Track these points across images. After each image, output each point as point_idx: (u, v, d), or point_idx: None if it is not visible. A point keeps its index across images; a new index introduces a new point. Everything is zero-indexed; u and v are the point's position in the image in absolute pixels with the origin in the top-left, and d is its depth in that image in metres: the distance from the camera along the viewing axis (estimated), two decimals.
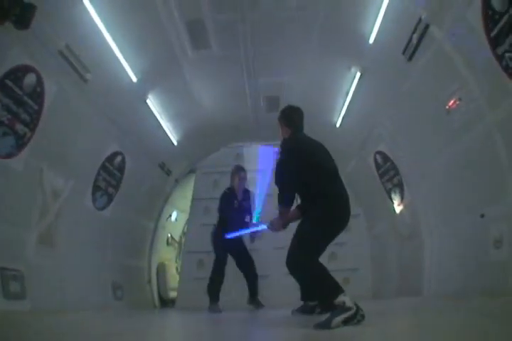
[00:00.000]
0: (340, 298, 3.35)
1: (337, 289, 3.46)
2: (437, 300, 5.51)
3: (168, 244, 11.27)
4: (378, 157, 7.69)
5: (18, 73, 4.72)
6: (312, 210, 3.98)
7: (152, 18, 5.82)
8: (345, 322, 3.24)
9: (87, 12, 5.02)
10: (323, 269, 3.65)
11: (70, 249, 6.12)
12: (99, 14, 5.15)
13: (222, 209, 7.31)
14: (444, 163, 5.78)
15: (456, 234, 5.66)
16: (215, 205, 9.48)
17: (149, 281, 9.72)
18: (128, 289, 8.03)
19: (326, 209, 3.90)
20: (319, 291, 3.69)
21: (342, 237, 8.36)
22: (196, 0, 5.68)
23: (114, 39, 5.64)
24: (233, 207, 7.23)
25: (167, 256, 11.08)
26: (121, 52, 5.92)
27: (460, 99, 5.02)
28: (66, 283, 5.85)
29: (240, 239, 7.19)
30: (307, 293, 5.20)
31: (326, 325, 3.25)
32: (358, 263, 9.10)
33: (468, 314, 3.75)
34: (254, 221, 7.05)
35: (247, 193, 7.44)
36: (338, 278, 8.49)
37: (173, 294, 10.06)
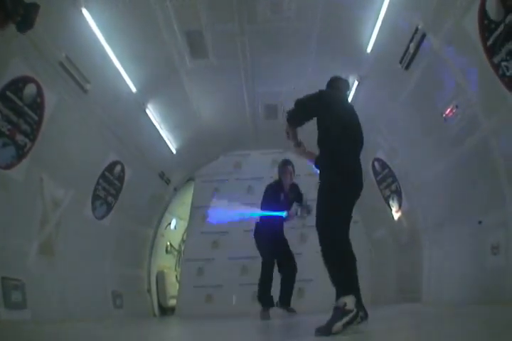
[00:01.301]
0: (343, 299, 3.30)
1: (348, 288, 3.42)
2: (436, 306, 5.51)
3: (167, 251, 11.24)
4: (376, 164, 7.73)
5: (18, 84, 4.76)
6: (323, 168, 3.98)
7: (152, 28, 5.89)
8: (346, 325, 3.18)
9: (87, 23, 5.09)
10: (349, 259, 3.66)
11: (70, 258, 6.12)
12: (99, 25, 5.23)
13: (265, 201, 7.14)
14: (442, 169, 5.81)
15: (455, 241, 5.68)
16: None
17: (149, 290, 9.70)
18: (128, 298, 8.01)
19: (336, 163, 3.88)
20: (334, 279, 3.56)
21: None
22: (195, 11, 5.74)
23: (114, 49, 5.71)
24: (279, 199, 7.07)
25: (166, 264, 11.06)
26: (121, 62, 5.98)
27: (457, 107, 5.07)
28: (67, 293, 5.85)
29: (282, 235, 7.16)
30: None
31: (326, 331, 3.16)
32: (358, 270, 9.08)
33: (467, 322, 3.76)
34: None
35: (294, 188, 7.24)
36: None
37: (172, 302, 10.06)
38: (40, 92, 5.05)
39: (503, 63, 4.08)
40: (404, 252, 7.45)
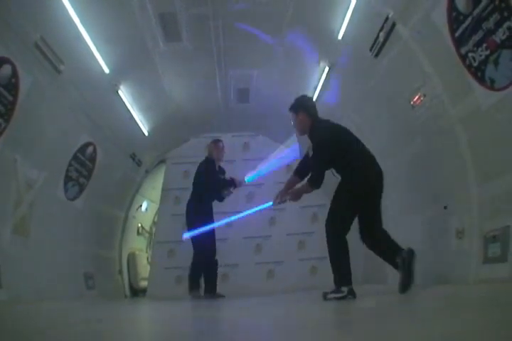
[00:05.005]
0: (342, 288, 4.31)
1: (346, 280, 4.38)
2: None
3: (138, 233, 11.31)
4: None
5: None
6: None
7: (125, 10, 5.86)
8: (337, 299, 4.25)
9: (62, 4, 5.04)
10: (343, 252, 4.59)
11: (43, 239, 6.16)
12: (73, 6, 5.16)
13: (206, 180, 7.10)
14: (409, 156, 5.99)
15: (420, 225, 5.87)
16: (185, 195, 9.57)
17: (120, 271, 9.78)
18: (99, 279, 8.09)
19: (349, 177, 4.65)
20: (335, 271, 4.53)
21: (310, 227, 8.54)
22: None
23: (88, 30, 5.65)
24: (215, 176, 7.15)
25: (138, 246, 11.14)
26: (94, 43, 5.94)
27: (424, 95, 5.22)
28: (41, 273, 5.91)
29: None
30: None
31: (324, 296, 4.37)
32: (326, 252, 9.26)
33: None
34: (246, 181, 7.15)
35: (221, 168, 7.45)
36: (307, 266, 8.72)
37: (143, 284, 10.14)
38: (15, 73, 5.02)
39: (470, 54, 4.21)
40: None
